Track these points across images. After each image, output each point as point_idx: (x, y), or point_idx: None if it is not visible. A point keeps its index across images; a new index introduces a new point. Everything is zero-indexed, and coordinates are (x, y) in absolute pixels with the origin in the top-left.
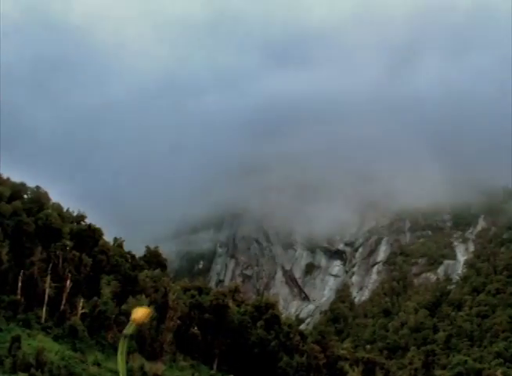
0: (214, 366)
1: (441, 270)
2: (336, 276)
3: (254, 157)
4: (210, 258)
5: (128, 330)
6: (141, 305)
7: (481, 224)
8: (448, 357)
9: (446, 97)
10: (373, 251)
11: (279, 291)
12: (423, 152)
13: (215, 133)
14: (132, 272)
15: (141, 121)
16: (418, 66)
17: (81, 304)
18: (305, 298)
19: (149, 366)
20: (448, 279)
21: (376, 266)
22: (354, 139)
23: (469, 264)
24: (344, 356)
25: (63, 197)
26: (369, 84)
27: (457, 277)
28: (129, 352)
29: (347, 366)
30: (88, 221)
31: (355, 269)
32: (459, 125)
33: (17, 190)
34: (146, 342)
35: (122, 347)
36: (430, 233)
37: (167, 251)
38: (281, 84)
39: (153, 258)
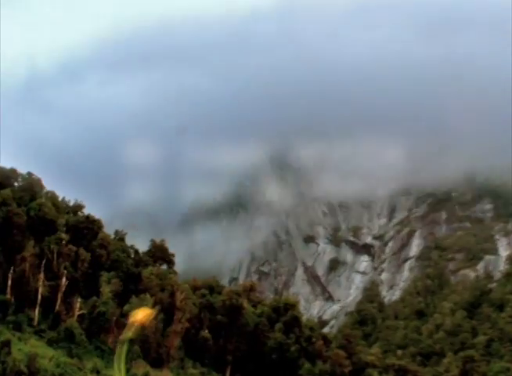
0: (227, 374)
1: (481, 266)
2: (363, 273)
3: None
4: (223, 250)
5: (128, 334)
6: (145, 305)
7: None
8: (488, 364)
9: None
10: (404, 246)
11: (300, 290)
12: (460, 133)
13: None
14: (135, 269)
15: None
16: None
17: (78, 304)
18: (329, 298)
19: (154, 374)
20: (488, 276)
21: (408, 262)
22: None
23: None
24: (373, 363)
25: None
26: None
27: (499, 274)
28: (132, 359)
29: (375, 374)
30: (85, 211)
31: (384, 265)
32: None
33: (7, 177)
34: (150, 347)
35: (121, 353)
36: (468, 224)
37: (174, 244)
38: None
39: (159, 253)
